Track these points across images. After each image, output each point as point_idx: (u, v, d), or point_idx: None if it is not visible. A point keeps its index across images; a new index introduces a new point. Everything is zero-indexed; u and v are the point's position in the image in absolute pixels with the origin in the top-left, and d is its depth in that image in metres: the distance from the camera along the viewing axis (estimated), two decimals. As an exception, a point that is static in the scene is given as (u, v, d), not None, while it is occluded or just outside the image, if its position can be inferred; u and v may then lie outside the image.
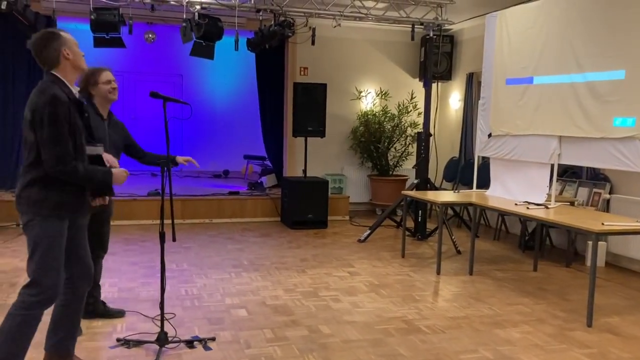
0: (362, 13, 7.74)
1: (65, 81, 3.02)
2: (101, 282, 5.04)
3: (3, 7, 6.01)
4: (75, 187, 3.05)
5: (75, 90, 3.08)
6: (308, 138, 8.46)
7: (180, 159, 4.16)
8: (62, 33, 3.05)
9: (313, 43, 7.85)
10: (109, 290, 4.88)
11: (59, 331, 3.27)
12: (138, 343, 3.72)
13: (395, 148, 9.46)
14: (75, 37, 3.11)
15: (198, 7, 6.93)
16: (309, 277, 5.55)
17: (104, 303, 4.19)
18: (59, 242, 3.03)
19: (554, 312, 4.66)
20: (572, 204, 6.06)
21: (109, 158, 3.31)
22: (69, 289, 3.26)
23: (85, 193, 3.15)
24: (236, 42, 7.26)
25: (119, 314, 4.21)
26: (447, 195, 6.33)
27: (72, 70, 3.06)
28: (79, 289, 3.29)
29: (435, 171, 9.25)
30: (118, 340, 3.75)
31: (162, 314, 3.69)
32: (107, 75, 3.89)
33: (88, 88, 3.84)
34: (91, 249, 3.96)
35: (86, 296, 3.96)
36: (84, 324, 4.00)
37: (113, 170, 3.18)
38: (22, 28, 6.66)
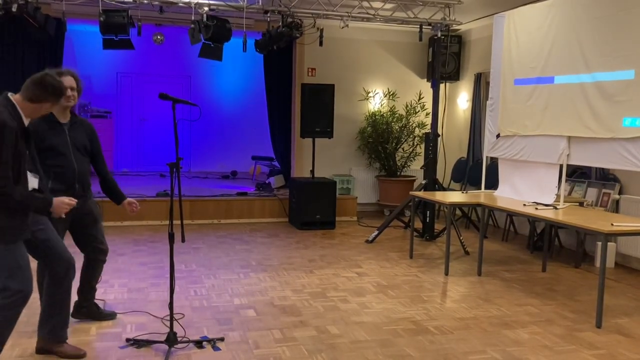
0: (369, 14, 7.75)
1: (19, 109, 3.07)
2: (111, 283, 5.11)
3: (14, 9, 6.07)
4: (19, 211, 3.08)
5: (26, 121, 3.11)
6: (316, 139, 8.47)
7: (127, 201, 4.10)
8: (63, 94, 3.18)
9: (321, 44, 7.86)
10: (119, 291, 4.91)
11: (50, 321, 3.48)
12: (147, 343, 3.74)
13: (403, 149, 9.46)
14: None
15: (206, 8, 6.96)
16: (317, 277, 5.56)
17: (96, 305, 4.22)
18: (15, 252, 3.09)
19: (563, 313, 4.65)
20: (581, 204, 6.03)
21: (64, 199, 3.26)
22: (55, 284, 3.43)
23: (26, 216, 3.16)
24: (244, 43, 7.29)
25: (110, 316, 4.22)
26: (455, 196, 6.32)
27: (31, 110, 3.11)
28: (63, 283, 3.45)
29: (444, 172, 9.24)
30: (127, 340, 3.78)
31: (171, 314, 3.72)
32: (65, 81, 3.59)
33: None
34: (89, 254, 4.03)
35: (81, 299, 4.09)
36: (92, 324, 4.07)
37: (54, 199, 3.17)
38: (33, 30, 6.72)
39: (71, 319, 3.85)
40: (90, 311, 4.15)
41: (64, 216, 3.30)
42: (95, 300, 4.23)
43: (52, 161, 3.66)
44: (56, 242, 3.42)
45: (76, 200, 3.31)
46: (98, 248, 4.05)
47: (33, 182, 3.22)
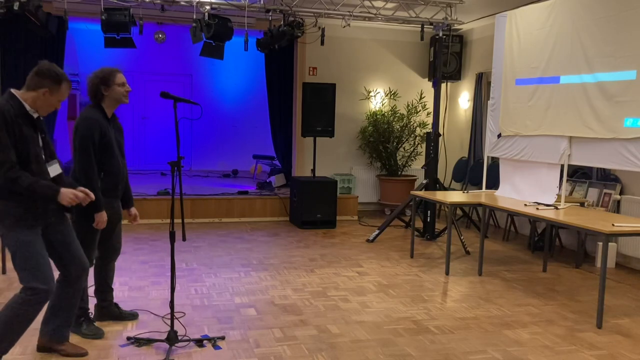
0: (371, 13, 7.75)
1: (22, 100, 3.12)
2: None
3: (15, 7, 6.07)
4: (32, 197, 3.11)
5: (29, 108, 3.14)
6: (317, 138, 8.47)
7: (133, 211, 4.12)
8: (64, 84, 3.18)
9: (322, 43, 7.86)
10: (120, 289, 4.91)
11: (55, 320, 3.48)
12: (148, 341, 3.74)
13: (404, 148, 9.46)
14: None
15: (208, 7, 6.96)
16: (318, 276, 5.56)
17: (117, 305, 4.21)
18: (35, 247, 3.14)
19: (563, 313, 4.65)
20: (582, 204, 6.03)
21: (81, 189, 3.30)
22: (66, 285, 3.44)
23: (46, 201, 3.17)
24: (246, 42, 7.29)
25: (132, 316, 4.21)
26: (456, 196, 6.31)
27: (33, 103, 3.15)
28: (75, 285, 3.46)
29: (445, 171, 9.24)
30: (128, 338, 3.78)
31: (172, 312, 3.72)
32: (121, 77, 3.79)
33: (101, 88, 3.73)
34: (104, 253, 4.04)
35: (99, 299, 4.08)
36: (97, 324, 4.05)
37: (62, 189, 3.15)
38: (34, 28, 6.72)
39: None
40: (111, 312, 4.14)
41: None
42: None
43: (106, 159, 3.72)
44: (75, 246, 3.42)
45: (83, 194, 3.25)
46: (114, 246, 4.08)
47: (53, 170, 3.25)
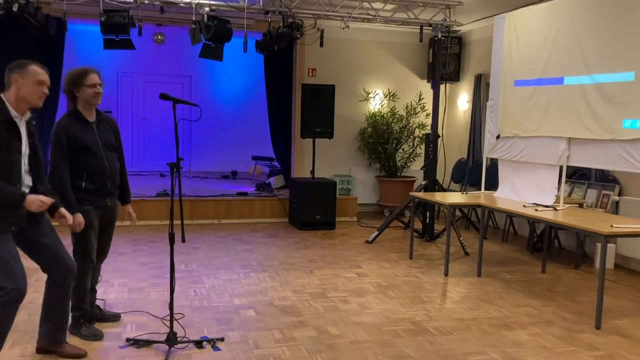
0: (370, 14, 7.76)
1: (7, 103, 3.10)
2: (111, 282, 5.12)
3: (15, 9, 6.08)
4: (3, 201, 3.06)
5: (15, 113, 3.10)
6: (316, 139, 8.48)
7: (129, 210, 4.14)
8: (32, 66, 3.15)
9: (321, 44, 7.87)
10: (119, 290, 4.92)
11: (48, 323, 3.48)
12: (147, 343, 3.74)
13: (403, 149, 9.47)
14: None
15: (207, 9, 6.97)
16: (317, 278, 5.57)
17: (99, 307, 4.19)
18: (5, 246, 3.08)
19: (562, 314, 4.65)
20: (580, 205, 6.04)
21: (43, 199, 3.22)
22: (54, 288, 3.42)
23: (10, 208, 3.11)
24: (245, 43, 7.30)
25: (114, 317, 4.19)
26: (455, 197, 6.32)
27: (16, 99, 3.12)
28: (62, 286, 3.43)
29: (444, 172, 9.25)
30: (128, 340, 3.78)
31: (172, 314, 3.72)
32: (93, 78, 3.69)
33: (72, 89, 3.69)
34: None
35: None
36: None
37: (28, 196, 3.08)
38: (33, 30, 6.72)
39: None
40: (93, 314, 4.10)
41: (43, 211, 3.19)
42: (97, 302, 4.23)
43: (85, 161, 3.70)
44: (57, 248, 3.38)
45: (52, 200, 3.21)
46: (103, 251, 4.05)
47: (28, 180, 3.22)
